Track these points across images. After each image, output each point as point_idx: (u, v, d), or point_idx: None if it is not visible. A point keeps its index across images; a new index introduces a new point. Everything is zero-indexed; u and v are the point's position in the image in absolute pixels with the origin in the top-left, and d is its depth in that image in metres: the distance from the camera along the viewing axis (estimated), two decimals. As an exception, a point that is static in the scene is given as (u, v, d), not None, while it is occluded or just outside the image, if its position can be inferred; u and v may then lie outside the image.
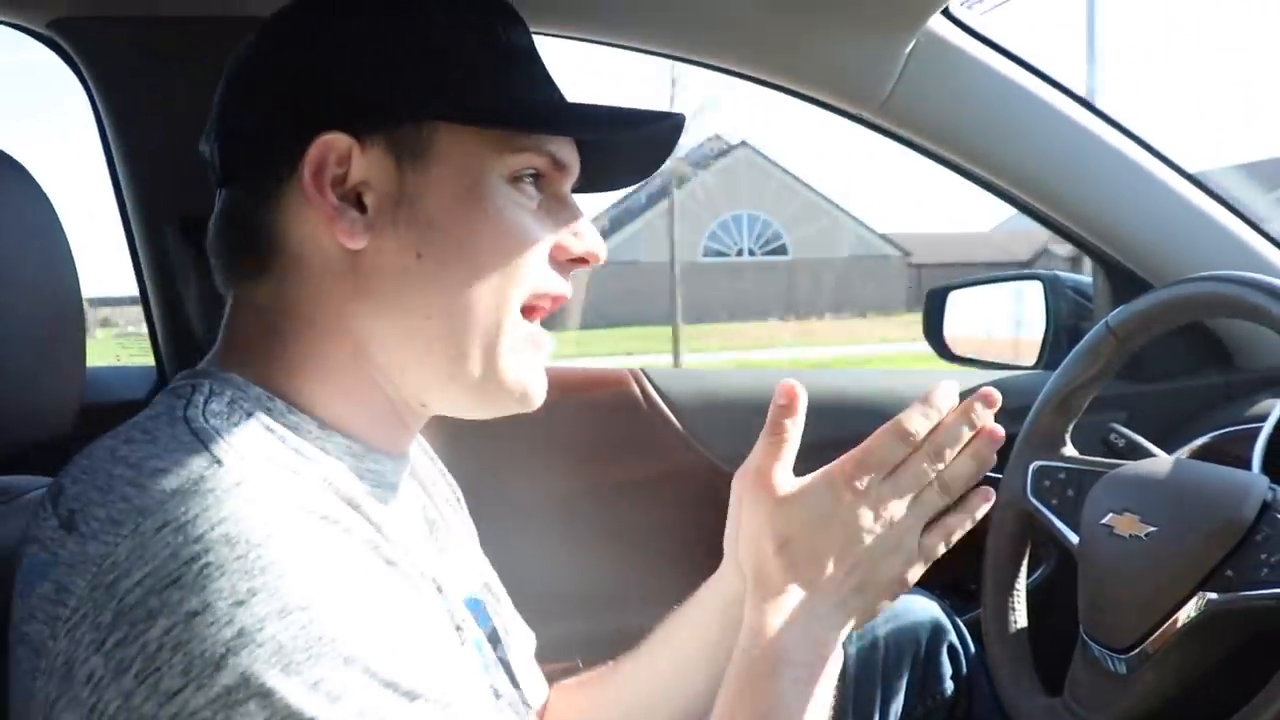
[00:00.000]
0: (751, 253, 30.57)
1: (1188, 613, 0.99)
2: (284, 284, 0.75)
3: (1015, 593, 1.25)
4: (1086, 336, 1.22)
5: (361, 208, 0.73)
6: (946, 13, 1.31)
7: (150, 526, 0.59)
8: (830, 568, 0.78)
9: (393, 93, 0.73)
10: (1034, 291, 1.70)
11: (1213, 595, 0.98)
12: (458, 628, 0.77)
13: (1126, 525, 1.07)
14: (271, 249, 0.75)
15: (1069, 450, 1.23)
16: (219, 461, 0.62)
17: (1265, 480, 1.04)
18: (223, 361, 0.75)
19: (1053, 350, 1.64)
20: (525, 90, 0.78)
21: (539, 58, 0.81)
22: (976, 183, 1.47)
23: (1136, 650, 1.03)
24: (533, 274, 0.76)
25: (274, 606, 0.56)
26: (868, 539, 0.78)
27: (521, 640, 0.97)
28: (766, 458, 0.80)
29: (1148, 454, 1.21)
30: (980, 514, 0.83)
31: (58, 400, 0.79)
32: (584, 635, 1.20)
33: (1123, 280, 1.50)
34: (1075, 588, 1.13)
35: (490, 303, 0.75)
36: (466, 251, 0.74)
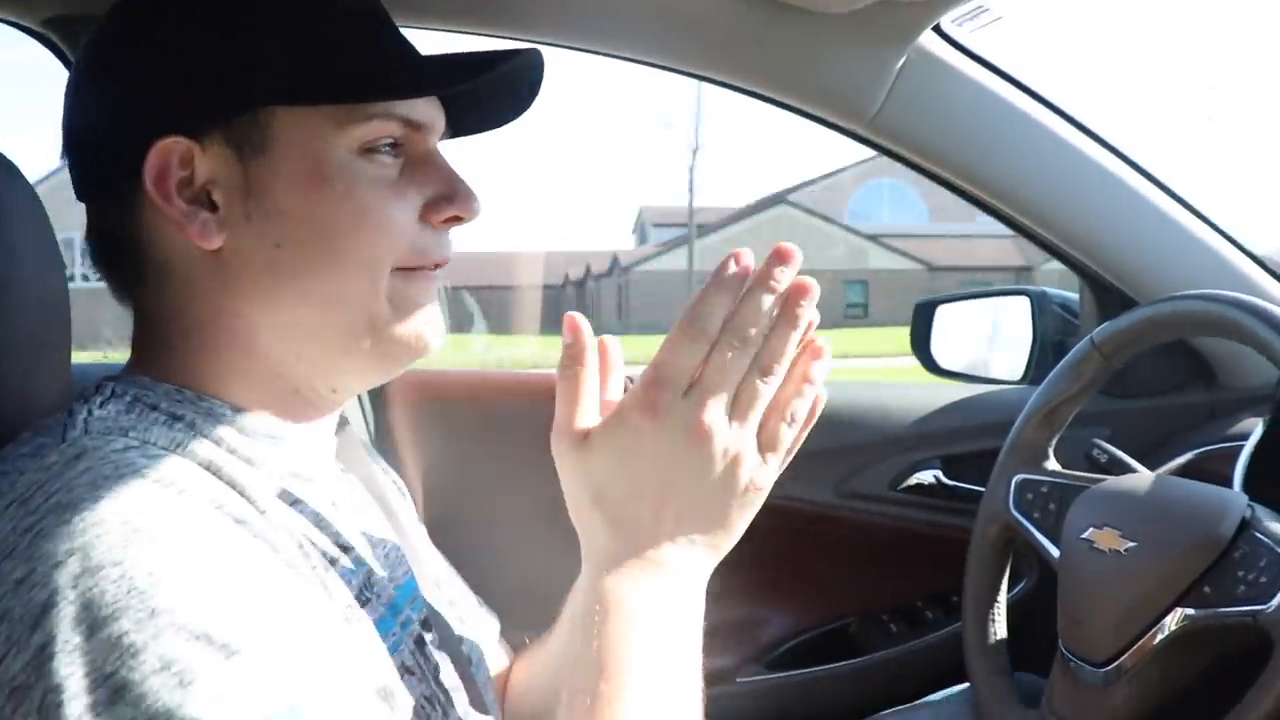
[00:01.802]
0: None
1: (1165, 628, 1.00)
2: (160, 291, 0.75)
3: (996, 605, 1.26)
4: (1071, 352, 1.23)
5: (214, 207, 0.72)
6: (938, 29, 1.32)
7: (1, 506, 0.61)
8: (654, 508, 0.69)
9: (221, 85, 0.72)
10: (1021, 307, 1.71)
11: (1190, 611, 0.99)
12: (363, 600, 0.73)
13: (1106, 540, 1.08)
14: (138, 259, 0.75)
15: (1052, 464, 1.24)
16: (63, 439, 0.64)
17: (1244, 498, 1.05)
18: (132, 367, 0.76)
19: (1039, 365, 1.65)
20: (360, 58, 0.76)
21: (382, 17, 0.79)
22: (965, 197, 1.48)
23: (1114, 664, 1.04)
24: (399, 244, 0.74)
25: (89, 564, 0.56)
26: (688, 462, 0.68)
27: (476, 627, 0.95)
28: (562, 405, 0.70)
29: (1129, 470, 1.23)
30: (819, 377, 0.71)
31: (44, 394, 0.79)
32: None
33: (1109, 297, 1.51)
34: (1055, 601, 1.14)
35: (360, 282, 0.73)
36: (323, 235, 0.72)
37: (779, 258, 0.68)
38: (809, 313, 0.69)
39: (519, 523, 1.53)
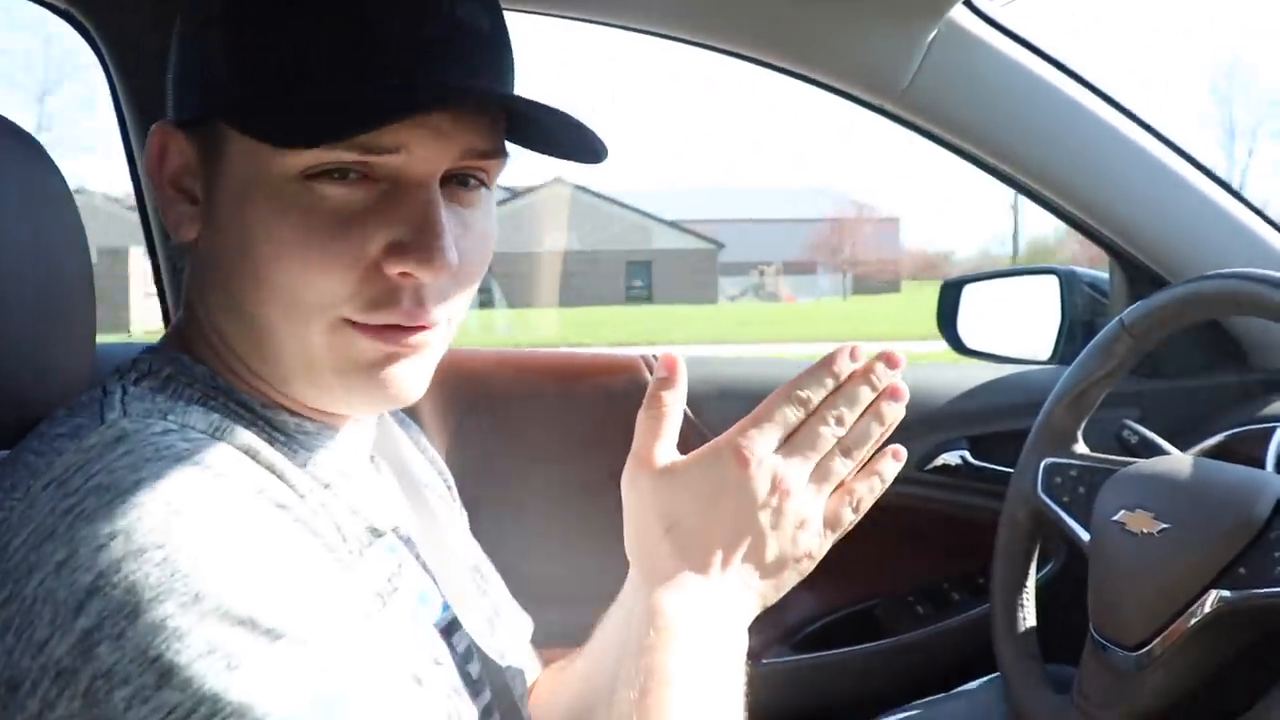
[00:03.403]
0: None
1: (1200, 610, 0.99)
2: (189, 272, 0.77)
3: (1024, 590, 1.25)
4: (1101, 332, 1.22)
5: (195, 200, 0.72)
6: (969, 3, 1.30)
7: (38, 486, 0.60)
8: (724, 548, 0.72)
9: (193, 85, 0.71)
10: (1049, 286, 1.69)
11: (1225, 593, 0.98)
12: (395, 587, 0.73)
13: (1139, 522, 1.06)
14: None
15: (1080, 447, 1.23)
16: (103, 420, 0.64)
17: (1279, 479, 1.03)
18: (171, 340, 0.76)
19: (1067, 345, 1.64)
20: (296, 91, 0.66)
21: (369, 20, 0.66)
22: (993, 174, 1.46)
23: (1147, 648, 1.03)
24: (337, 289, 0.66)
25: (132, 547, 0.56)
26: (763, 515, 0.71)
27: (510, 624, 0.95)
28: (646, 435, 0.73)
29: (1161, 451, 1.21)
30: (890, 476, 0.76)
31: (68, 373, 0.79)
32: (592, 622, 1.20)
33: (1139, 276, 1.49)
34: (1083, 585, 1.13)
35: (291, 322, 0.67)
36: (248, 260, 0.67)
37: (887, 361, 0.73)
38: (896, 413, 0.74)
39: (544, 503, 1.54)
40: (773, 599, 0.75)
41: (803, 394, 0.72)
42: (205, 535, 0.58)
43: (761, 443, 0.71)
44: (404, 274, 0.66)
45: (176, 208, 0.72)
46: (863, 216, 53.96)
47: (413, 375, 0.71)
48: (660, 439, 0.74)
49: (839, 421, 0.72)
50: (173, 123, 0.72)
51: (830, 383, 0.72)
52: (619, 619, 0.86)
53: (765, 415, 0.72)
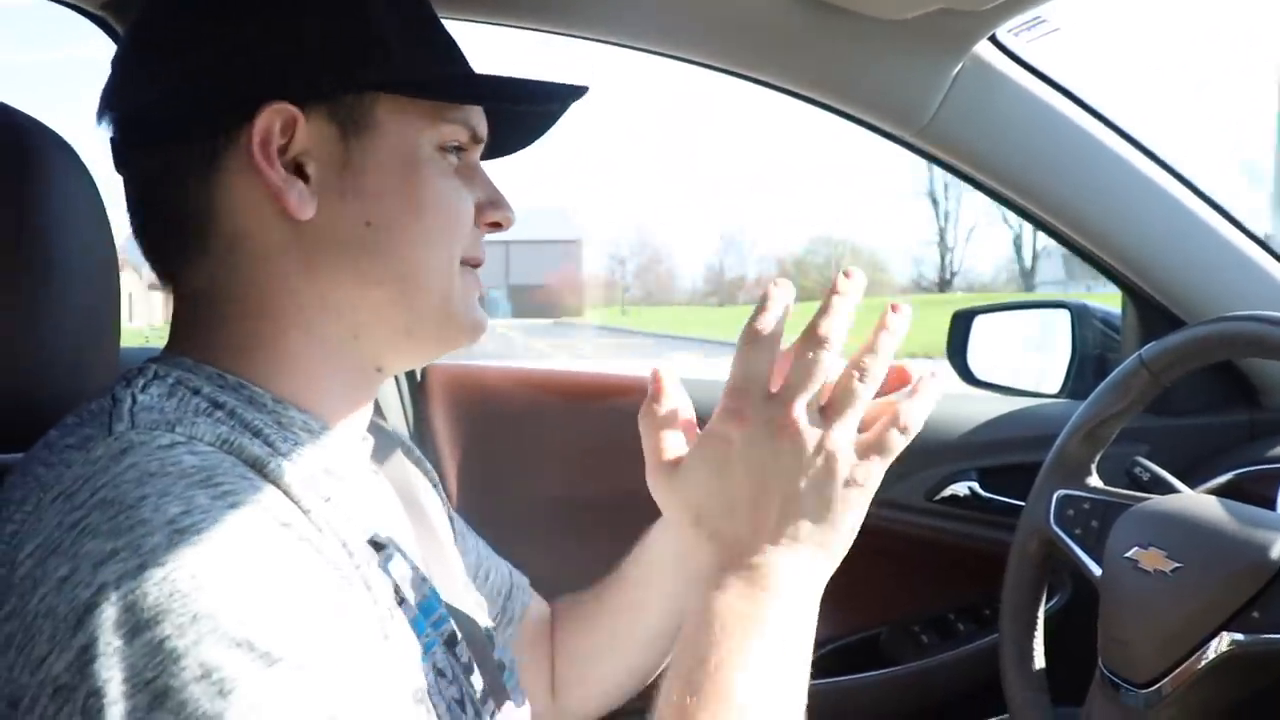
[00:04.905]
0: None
1: (1211, 652, 0.99)
2: (224, 265, 0.74)
3: (1034, 621, 1.25)
4: (1119, 368, 1.22)
5: (304, 179, 0.73)
6: (994, 39, 1.31)
7: (47, 499, 0.60)
8: (750, 514, 0.68)
9: (334, 64, 0.73)
10: (1061, 320, 1.70)
11: (1238, 635, 0.98)
12: (398, 600, 0.73)
13: (1151, 560, 1.07)
14: (206, 230, 0.73)
15: (1094, 481, 1.23)
16: (110, 432, 0.63)
17: (1293, 522, 1.04)
18: (173, 345, 0.76)
19: (1077, 380, 1.64)
20: (446, 63, 0.81)
21: (444, 27, 0.83)
22: (1013, 209, 1.47)
23: (1156, 686, 1.03)
24: (466, 234, 0.79)
25: (132, 565, 0.55)
26: (779, 460, 0.68)
27: (504, 628, 0.99)
28: (648, 440, 0.73)
29: (1171, 489, 1.21)
30: (933, 395, 0.72)
31: (94, 376, 0.79)
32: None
33: (1153, 314, 1.50)
34: (1091, 619, 1.13)
35: (437, 263, 0.77)
36: (411, 217, 0.76)
37: (845, 275, 0.70)
38: (902, 324, 0.70)
39: (553, 519, 1.54)
40: (839, 543, 0.69)
41: (757, 331, 0.69)
42: (206, 555, 0.57)
43: (747, 393, 0.69)
44: (494, 224, 0.82)
45: (295, 187, 0.72)
46: (538, 238, 52.79)
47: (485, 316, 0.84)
48: (660, 438, 0.73)
49: (820, 343, 0.68)
50: (290, 102, 0.71)
51: (781, 307, 0.70)
52: (656, 556, 0.96)
53: (739, 368, 0.69)
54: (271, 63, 0.72)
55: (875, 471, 0.70)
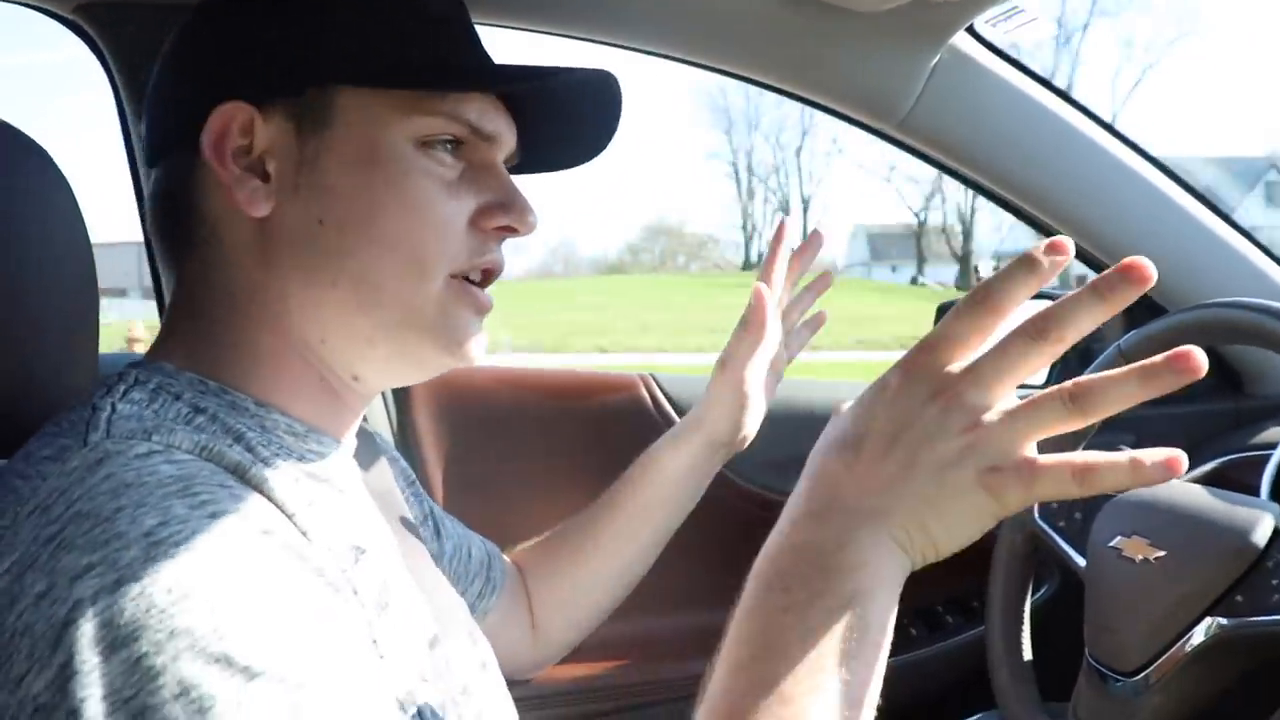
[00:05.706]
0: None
1: (1196, 637, 0.99)
2: (205, 259, 0.75)
3: (1021, 614, 1.25)
4: (1098, 359, 1.22)
5: (266, 177, 0.73)
6: (972, 30, 1.31)
7: (23, 513, 0.59)
8: (869, 458, 0.60)
9: (292, 58, 0.73)
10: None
11: (1223, 620, 0.98)
12: (381, 604, 0.71)
13: (1135, 548, 1.07)
14: (192, 224, 0.75)
15: (1078, 472, 1.23)
16: (85, 443, 0.62)
17: (1276, 507, 1.04)
18: (156, 351, 0.75)
19: (1060, 370, 1.64)
20: (427, 51, 0.76)
21: (461, 21, 0.80)
22: (992, 199, 1.47)
23: (1143, 674, 1.03)
24: (450, 245, 0.75)
25: (109, 580, 0.54)
26: (919, 422, 0.59)
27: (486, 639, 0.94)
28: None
29: (1156, 477, 1.21)
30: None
31: (72, 383, 0.79)
32: (592, 641, 1.20)
33: (1135, 303, 1.49)
34: (1078, 609, 1.13)
35: (405, 278, 0.73)
36: (366, 217, 0.73)
37: (1126, 270, 0.58)
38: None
39: (543, 521, 1.53)
40: (944, 537, 0.60)
41: (994, 297, 0.59)
42: (184, 568, 0.55)
43: (929, 348, 0.60)
44: (502, 229, 0.77)
45: (248, 185, 0.72)
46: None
47: (483, 339, 0.79)
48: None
49: (1042, 336, 0.58)
50: (247, 101, 0.72)
51: (1032, 284, 0.58)
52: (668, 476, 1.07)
53: (944, 323, 0.60)
54: (233, 64, 0.74)
55: (1014, 494, 0.58)
